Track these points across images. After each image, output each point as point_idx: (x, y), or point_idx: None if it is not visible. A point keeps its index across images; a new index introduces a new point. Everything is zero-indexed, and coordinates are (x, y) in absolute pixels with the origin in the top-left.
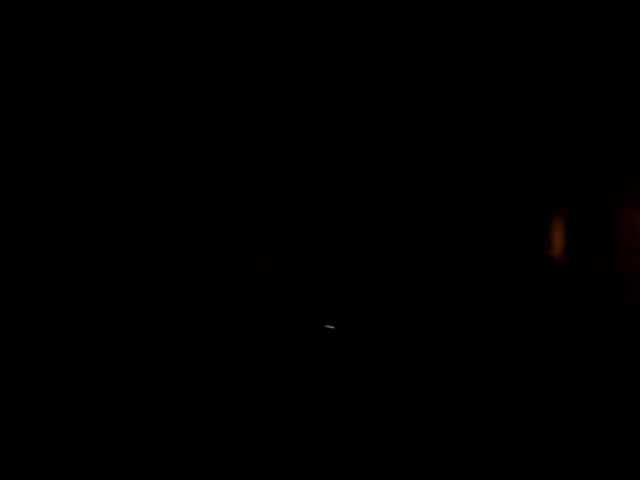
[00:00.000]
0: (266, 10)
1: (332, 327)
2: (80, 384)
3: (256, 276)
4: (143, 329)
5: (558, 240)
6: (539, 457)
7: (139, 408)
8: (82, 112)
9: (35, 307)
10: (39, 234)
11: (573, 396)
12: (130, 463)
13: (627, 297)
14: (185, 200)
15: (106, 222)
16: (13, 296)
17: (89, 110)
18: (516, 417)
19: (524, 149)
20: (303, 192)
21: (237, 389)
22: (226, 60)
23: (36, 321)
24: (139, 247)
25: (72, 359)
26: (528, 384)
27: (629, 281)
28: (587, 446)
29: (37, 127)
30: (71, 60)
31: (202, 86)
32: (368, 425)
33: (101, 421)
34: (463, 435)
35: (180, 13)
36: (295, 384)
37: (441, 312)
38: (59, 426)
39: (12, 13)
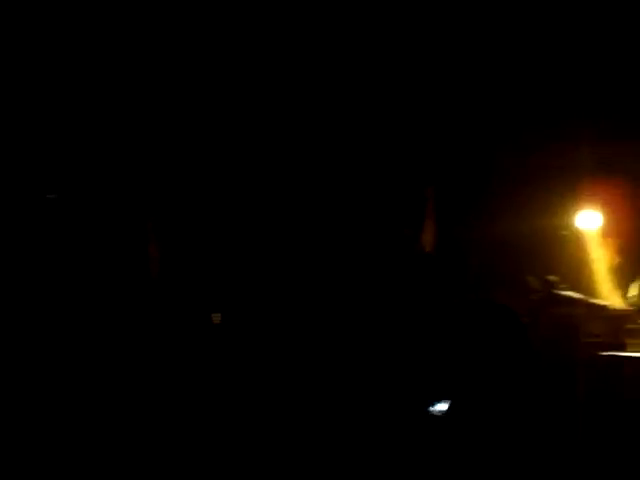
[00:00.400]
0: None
1: (218, 322)
2: None
3: (143, 276)
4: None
5: (431, 235)
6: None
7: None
8: None
9: None
10: None
11: (434, 385)
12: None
13: (499, 292)
14: (71, 203)
15: None
16: None
17: None
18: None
19: (401, 149)
20: (188, 194)
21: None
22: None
23: None
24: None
25: None
26: (394, 372)
27: (499, 277)
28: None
29: None
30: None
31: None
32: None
33: None
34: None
35: None
36: (183, 381)
37: (320, 304)
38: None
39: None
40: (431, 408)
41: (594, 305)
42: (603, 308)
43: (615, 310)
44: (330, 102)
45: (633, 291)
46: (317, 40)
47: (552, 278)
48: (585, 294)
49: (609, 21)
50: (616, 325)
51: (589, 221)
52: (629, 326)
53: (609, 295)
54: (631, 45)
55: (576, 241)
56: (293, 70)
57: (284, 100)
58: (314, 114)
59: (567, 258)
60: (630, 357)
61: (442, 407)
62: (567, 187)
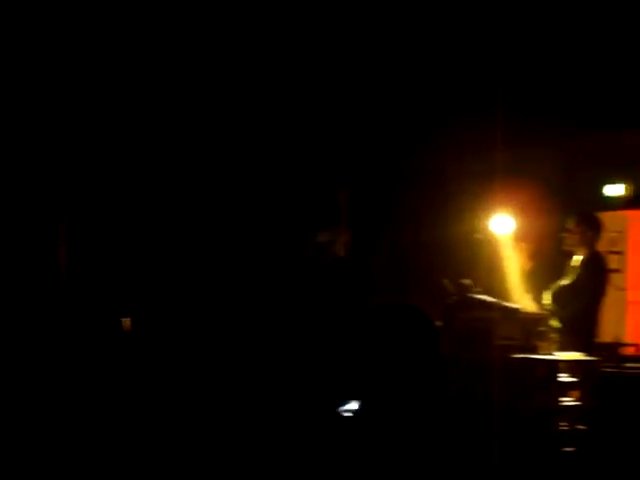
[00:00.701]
0: None
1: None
2: None
3: (52, 276)
4: None
5: (344, 240)
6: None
7: None
8: None
9: None
10: None
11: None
12: None
13: (414, 296)
14: None
15: None
16: None
17: None
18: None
19: (313, 154)
20: (100, 197)
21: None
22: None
23: None
24: None
25: None
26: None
27: (414, 281)
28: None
29: None
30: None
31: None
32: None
33: None
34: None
35: None
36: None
37: (230, 307)
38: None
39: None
40: (340, 409)
41: (507, 308)
42: (516, 311)
43: (527, 313)
44: (243, 107)
45: (547, 298)
46: (226, 40)
47: (466, 282)
48: (498, 297)
49: (521, 25)
50: (528, 328)
51: (502, 225)
52: (540, 329)
53: (521, 298)
54: (542, 49)
55: (489, 245)
56: (201, 68)
57: (194, 100)
58: (226, 119)
59: (480, 262)
60: (541, 359)
61: (351, 408)
62: (480, 191)
